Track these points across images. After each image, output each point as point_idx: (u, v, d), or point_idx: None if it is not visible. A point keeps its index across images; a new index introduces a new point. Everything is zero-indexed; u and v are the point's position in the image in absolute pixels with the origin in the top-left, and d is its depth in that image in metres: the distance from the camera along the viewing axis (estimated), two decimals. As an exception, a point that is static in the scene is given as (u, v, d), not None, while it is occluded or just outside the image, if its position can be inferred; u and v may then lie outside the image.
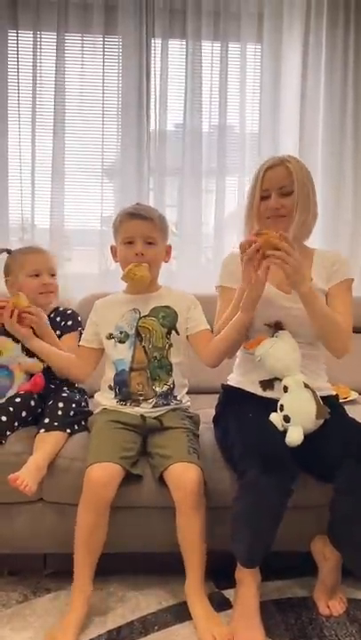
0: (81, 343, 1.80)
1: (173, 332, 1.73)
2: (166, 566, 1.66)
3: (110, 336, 1.73)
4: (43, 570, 1.75)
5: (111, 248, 1.78)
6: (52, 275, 1.90)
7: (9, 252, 1.94)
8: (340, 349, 1.67)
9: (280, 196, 1.66)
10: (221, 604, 1.59)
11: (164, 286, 1.82)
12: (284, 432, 1.52)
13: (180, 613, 1.55)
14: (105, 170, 3.04)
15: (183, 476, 1.50)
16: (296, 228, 1.66)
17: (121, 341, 1.72)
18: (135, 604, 1.62)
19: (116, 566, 1.73)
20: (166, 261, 1.79)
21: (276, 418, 1.57)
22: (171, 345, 1.72)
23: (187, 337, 1.75)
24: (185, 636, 1.48)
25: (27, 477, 1.49)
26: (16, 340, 1.85)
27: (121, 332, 1.72)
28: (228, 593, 1.63)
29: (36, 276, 1.86)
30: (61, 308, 1.97)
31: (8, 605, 1.60)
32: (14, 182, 2.98)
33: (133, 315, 1.72)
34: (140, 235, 1.68)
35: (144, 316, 1.72)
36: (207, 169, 3.06)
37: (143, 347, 1.71)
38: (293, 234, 1.64)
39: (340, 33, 3.01)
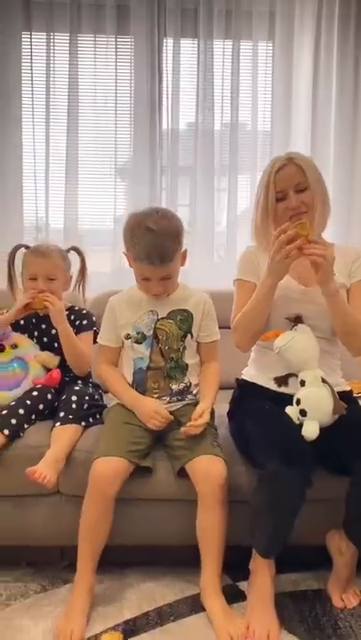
0: (104, 343, 1.79)
1: (189, 335, 1.74)
2: (181, 558, 1.68)
3: (128, 336, 1.74)
4: (60, 562, 1.78)
5: (125, 254, 1.73)
6: (52, 279, 1.90)
7: (26, 247, 1.97)
8: (359, 348, 1.68)
9: (297, 193, 1.66)
10: (236, 597, 1.61)
11: (182, 285, 1.80)
12: (300, 425, 1.53)
13: (196, 605, 1.57)
14: (118, 169, 3.07)
15: (210, 470, 1.53)
16: (319, 222, 1.68)
17: (138, 342, 1.73)
18: (151, 595, 1.64)
19: (131, 558, 1.76)
20: (182, 265, 1.74)
21: (291, 411, 1.58)
22: (185, 347, 1.75)
23: (197, 341, 1.78)
24: (200, 627, 1.50)
25: (45, 470, 1.53)
26: (31, 338, 1.93)
27: (138, 333, 1.72)
28: (243, 585, 1.64)
29: (34, 279, 1.89)
30: (76, 308, 2.00)
31: (26, 596, 1.63)
32: (28, 183, 3.02)
33: (151, 317, 1.73)
34: (156, 277, 1.64)
35: (162, 318, 1.72)
36: (219, 167, 3.08)
37: (160, 348, 1.72)
38: (316, 229, 1.67)
39: (352, 29, 3.01)
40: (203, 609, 1.54)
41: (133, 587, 1.68)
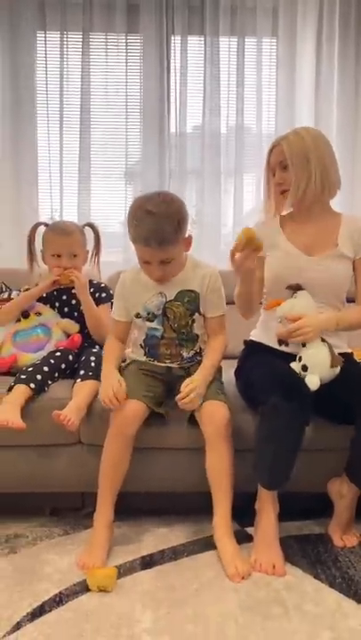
0: (117, 318, 1.87)
1: (196, 312, 1.83)
2: (194, 505, 1.80)
3: (138, 315, 1.83)
4: (81, 508, 1.92)
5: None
6: (75, 255, 2.07)
7: (46, 225, 2.14)
8: None
9: (282, 170, 1.82)
10: (244, 539, 1.73)
11: (191, 263, 1.82)
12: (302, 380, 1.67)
13: (208, 544, 1.70)
14: (128, 172, 3.21)
15: (214, 413, 1.67)
16: (294, 196, 1.79)
17: (149, 320, 1.82)
18: (166, 537, 1.78)
19: (148, 505, 1.90)
20: (187, 251, 1.80)
21: (295, 366, 1.71)
22: (194, 321, 1.83)
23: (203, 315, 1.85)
24: (212, 562, 1.63)
25: (69, 414, 1.68)
26: (53, 308, 2.11)
27: (149, 313, 1.82)
28: (250, 530, 1.76)
29: (58, 256, 2.05)
30: (95, 281, 2.16)
31: (51, 537, 1.78)
32: (44, 181, 3.16)
33: (160, 298, 1.79)
34: (156, 260, 1.68)
35: (170, 300, 1.79)
36: (226, 169, 3.20)
37: (170, 325, 1.82)
38: (291, 201, 1.81)
39: (353, 25, 3.14)
40: (215, 547, 1.66)
41: (150, 531, 1.81)
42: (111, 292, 2.13)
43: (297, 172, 1.77)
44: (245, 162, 3.20)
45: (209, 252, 3.14)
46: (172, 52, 3.17)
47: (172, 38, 3.16)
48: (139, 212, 1.65)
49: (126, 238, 3.08)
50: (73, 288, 2.07)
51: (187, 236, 1.74)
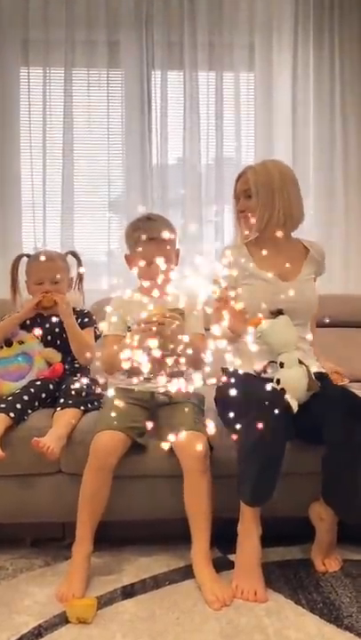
0: (110, 332, 1.91)
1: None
2: (176, 533, 1.78)
3: (129, 329, 1.88)
4: (62, 540, 1.90)
5: (126, 257, 1.95)
6: (56, 281, 2.10)
7: (28, 256, 2.18)
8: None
9: (245, 198, 1.91)
10: (226, 566, 1.72)
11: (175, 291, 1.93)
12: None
13: (189, 573, 1.68)
14: (111, 203, 3.26)
15: (191, 444, 1.66)
16: (258, 225, 1.88)
17: None
18: (147, 566, 1.77)
19: (129, 534, 1.89)
20: (176, 264, 1.94)
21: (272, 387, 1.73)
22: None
23: None
24: (193, 590, 1.62)
25: (49, 442, 1.68)
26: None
27: None
28: (233, 557, 1.75)
29: (41, 284, 2.09)
30: (78, 308, 2.19)
31: (32, 569, 1.76)
32: (27, 214, 3.19)
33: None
34: (159, 255, 1.76)
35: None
36: (206, 200, 3.26)
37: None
38: (258, 227, 1.89)
39: (327, 57, 3.25)
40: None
41: (130, 560, 1.80)
42: (94, 317, 2.17)
43: (261, 202, 1.86)
44: (226, 192, 3.22)
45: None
46: (153, 86, 3.24)
47: (153, 73, 3.24)
48: (137, 221, 1.91)
49: (111, 267, 3.21)
50: (57, 315, 2.07)
51: (176, 248, 1.93)
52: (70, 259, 2.24)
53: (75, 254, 2.26)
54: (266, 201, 1.85)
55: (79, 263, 2.25)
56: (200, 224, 3.25)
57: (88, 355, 2.04)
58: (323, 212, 3.23)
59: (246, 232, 1.95)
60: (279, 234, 1.81)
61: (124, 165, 3.24)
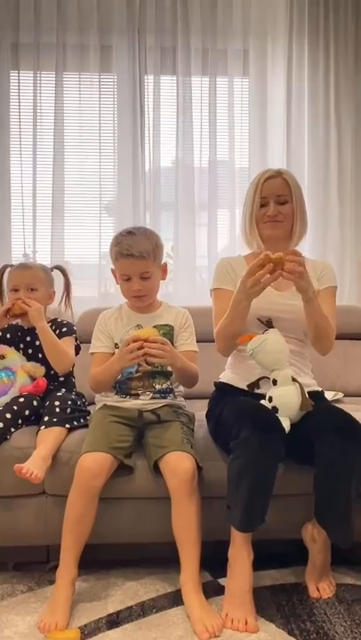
0: (98, 350, 1.89)
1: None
2: (165, 556, 1.73)
3: (116, 346, 1.86)
4: (46, 563, 1.83)
5: (112, 271, 1.90)
6: (33, 289, 2.02)
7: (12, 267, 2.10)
8: (328, 348, 1.83)
9: (277, 204, 1.83)
10: (216, 591, 1.66)
11: (164, 303, 1.97)
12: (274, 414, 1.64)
13: (177, 599, 1.62)
14: (103, 206, 3.20)
15: (178, 465, 1.60)
16: (297, 236, 1.86)
17: None
18: (134, 591, 1.70)
19: (115, 557, 1.83)
20: (163, 279, 1.92)
21: (265, 404, 1.68)
22: None
23: None
24: (182, 619, 1.55)
25: (32, 467, 1.61)
26: (17, 350, 2.04)
27: None
28: (223, 581, 1.69)
29: (16, 290, 2.02)
30: (59, 319, 2.12)
31: (13, 595, 1.69)
32: (17, 219, 3.14)
33: (137, 330, 1.83)
34: (136, 273, 1.80)
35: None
36: (200, 203, 3.21)
37: (145, 359, 1.80)
38: (295, 241, 1.86)
39: (321, 63, 3.20)
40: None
41: (117, 584, 1.73)
42: (74, 327, 2.10)
43: (299, 208, 1.85)
44: (220, 195, 3.21)
45: (185, 283, 3.16)
46: (146, 91, 3.20)
47: (145, 78, 3.19)
48: (120, 235, 1.84)
49: (101, 271, 3.16)
50: (35, 329, 1.99)
51: (162, 263, 1.88)
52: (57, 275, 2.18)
53: (61, 268, 2.19)
54: (303, 208, 1.85)
55: (66, 278, 2.19)
56: (193, 227, 3.20)
57: (65, 362, 1.98)
58: (316, 217, 3.17)
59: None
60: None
61: (115, 169, 3.18)
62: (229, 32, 3.18)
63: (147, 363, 1.77)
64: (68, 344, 2.01)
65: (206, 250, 3.21)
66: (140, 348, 1.65)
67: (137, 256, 1.76)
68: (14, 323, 2.08)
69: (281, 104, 3.24)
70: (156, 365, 1.83)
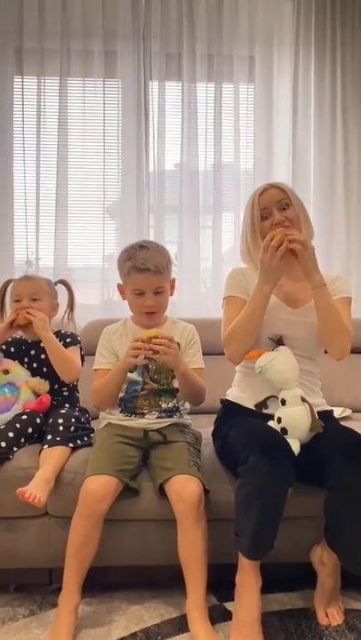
0: (102, 367, 1.85)
1: None
2: (169, 579, 1.69)
3: None
4: (48, 585, 1.79)
5: (118, 286, 1.87)
6: (35, 299, 1.99)
7: None
8: (343, 350, 1.75)
9: (280, 210, 1.78)
10: (223, 617, 1.62)
11: (169, 318, 1.92)
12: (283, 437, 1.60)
13: (183, 625, 1.58)
14: (107, 209, 3.17)
15: (184, 489, 1.56)
16: (309, 230, 1.83)
17: (130, 371, 1.79)
18: (138, 616, 1.65)
19: (119, 580, 1.78)
20: (171, 295, 1.88)
21: (273, 425, 1.64)
22: (174, 376, 1.82)
23: None
24: (187, 646, 1.51)
25: (35, 490, 1.56)
26: (22, 364, 2.01)
27: None
28: (229, 605, 1.65)
29: (19, 301, 1.99)
30: (62, 331, 2.08)
31: (15, 619, 1.64)
32: (19, 221, 3.10)
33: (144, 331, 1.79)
34: (151, 287, 1.77)
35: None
36: (204, 206, 3.18)
37: (150, 376, 1.81)
38: (310, 235, 1.83)
39: (328, 71, 3.17)
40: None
41: (121, 608, 1.69)
42: (79, 337, 2.07)
43: (300, 210, 1.81)
44: (224, 199, 3.18)
45: (188, 291, 3.12)
46: (150, 96, 3.16)
47: (150, 83, 3.15)
48: (132, 250, 1.79)
49: (104, 274, 3.12)
50: (40, 342, 1.96)
51: (171, 278, 1.86)
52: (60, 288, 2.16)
53: (65, 283, 2.16)
54: (305, 211, 1.82)
55: (70, 293, 2.16)
56: (197, 231, 3.17)
57: (72, 371, 1.95)
58: (322, 225, 3.13)
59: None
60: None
61: (119, 173, 3.15)
62: (235, 38, 3.14)
63: (150, 360, 1.74)
64: (73, 353, 1.99)
65: (211, 253, 3.17)
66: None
67: (153, 271, 1.74)
68: (18, 336, 2.05)
69: (287, 110, 3.20)
70: (163, 383, 1.80)
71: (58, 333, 2.04)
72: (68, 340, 2.03)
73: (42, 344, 1.96)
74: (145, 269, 1.73)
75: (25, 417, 1.82)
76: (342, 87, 3.18)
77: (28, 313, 1.92)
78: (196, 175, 3.16)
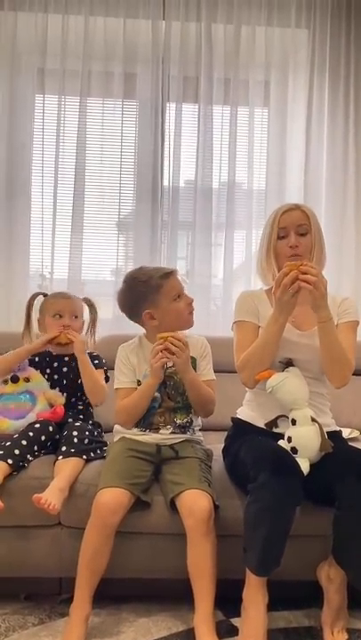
0: (123, 386, 1.89)
1: None
2: (177, 592, 1.72)
3: (138, 382, 1.87)
4: (58, 595, 1.82)
5: (145, 315, 1.85)
6: (75, 316, 2.08)
7: (45, 295, 2.16)
8: (343, 379, 1.78)
9: (298, 235, 1.81)
10: (230, 632, 1.64)
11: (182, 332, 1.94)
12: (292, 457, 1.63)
13: (190, 639, 1.60)
14: (120, 223, 3.23)
15: (195, 504, 1.59)
16: (321, 263, 1.84)
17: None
18: (146, 629, 1.68)
19: (127, 592, 1.81)
20: None
21: (283, 445, 1.67)
22: None
23: None
24: (194, 660, 1.53)
25: (50, 497, 1.60)
26: (43, 374, 2.07)
27: None
28: (236, 621, 1.67)
29: (60, 317, 2.04)
30: (88, 351, 2.13)
31: (25, 627, 1.67)
32: (36, 235, 3.16)
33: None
34: (183, 290, 1.87)
35: (170, 367, 1.83)
36: (216, 223, 3.23)
37: (167, 392, 1.86)
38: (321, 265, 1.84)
39: (341, 96, 3.22)
40: (198, 642, 1.57)
41: (129, 620, 1.72)
42: (104, 360, 2.13)
43: (319, 241, 1.83)
44: (236, 216, 3.23)
45: (199, 305, 3.07)
46: (167, 117, 3.22)
47: (167, 105, 3.22)
48: (153, 270, 1.89)
49: (116, 287, 3.09)
50: (67, 355, 2.06)
51: None
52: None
53: (88, 301, 2.23)
54: (321, 242, 1.85)
55: (92, 310, 2.23)
56: (209, 248, 3.21)
57: (100, 395, 2.02)
58: (332, 245, 3.14)
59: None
60: None
61: (135, 190, 3.21)
62: (251, 63, 3.21)
63: (168, 377, 1.81)
64: (100, 376, 2.06)
65: (222, 270, 3.21)
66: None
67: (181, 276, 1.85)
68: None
69: (300, 133, 3.25)
70: (178, 400, 1.84)
71: None
72: (96, 361, 2.11)
73: (66, 358, 2.05)
74: (172, 271, 1.87)
75: (38, 425, 1.87)
76: (355, 112, 3.22)
77: (69, 332, 2.00)
78: (209, 192, 3.21)
